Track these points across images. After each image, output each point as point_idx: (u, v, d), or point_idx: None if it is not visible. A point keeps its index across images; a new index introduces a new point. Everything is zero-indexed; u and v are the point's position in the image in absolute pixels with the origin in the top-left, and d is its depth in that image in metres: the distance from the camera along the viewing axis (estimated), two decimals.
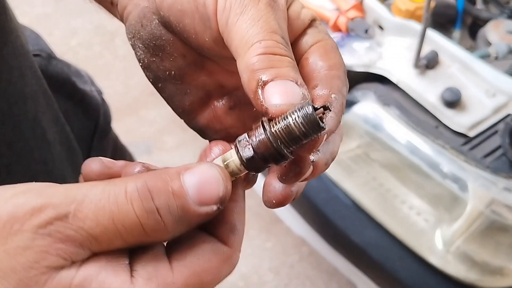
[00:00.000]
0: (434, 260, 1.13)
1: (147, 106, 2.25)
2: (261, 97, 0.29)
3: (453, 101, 1.04)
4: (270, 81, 0.29)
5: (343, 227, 1.22)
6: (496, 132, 1.03)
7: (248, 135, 0.30)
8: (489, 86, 1.06)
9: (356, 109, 1.13)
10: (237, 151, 0.30)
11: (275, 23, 0.31)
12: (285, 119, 0.29)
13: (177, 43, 0.36)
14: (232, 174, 0.31)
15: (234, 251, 0.29)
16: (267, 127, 0.29)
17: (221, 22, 0.32)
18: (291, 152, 0.30)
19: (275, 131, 0.29)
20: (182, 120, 0.41)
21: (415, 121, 1.07)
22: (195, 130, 0.41)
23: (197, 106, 0.39)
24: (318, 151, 0.32)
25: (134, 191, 0.26)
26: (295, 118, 0.28)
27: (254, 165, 0.30)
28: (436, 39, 1.13)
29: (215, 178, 0.28)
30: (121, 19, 0.39)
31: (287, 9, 0.34)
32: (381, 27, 1.17)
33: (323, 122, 0.28)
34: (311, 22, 0.35)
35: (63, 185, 0.27)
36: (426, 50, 1.11)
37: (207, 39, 0.33)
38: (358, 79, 1.18)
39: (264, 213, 2.03)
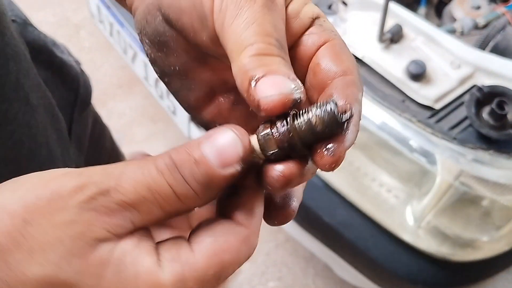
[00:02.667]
0: (405, 236, 1.13)
1: (115, 99, 2.20)
2: (253, 93, 0.29)
3: (418, 74, 1.02)
4: (261, 78, 0.29)
5: (314, 208, 1.20)
6: (462, 103, 1.02)
7: (270, 127, 0.31)
8: (454, 57, 1.05)
9: None
10: (259, 141, 0.31)
11: (270, 25, 0.31)
12: (307, 114, 0.30)
13: (180, 39, 0.36)
14: (253, 161, 0.32)
15: (252, 232, 0.29)
16: (289, 120, 0.30)
17: (217, 23, 0.32)
18: (310, 147, 0.30)
19: (297, 124, 0.30)
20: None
21: (381, 96, 1.05)
22: (201, 125, 0.41)
23: (202, 101, 0.39)
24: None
25: (163, 165, 0.28)
26: (315, 112, 0.29)
27: (273, 155, 0.31)
28: (399, 13, 1.11)
29: (233, 139, 0.29)
30: (132, 14, 0.39)
31: (286, 8, 0.33)
32: (344, 3, 1.15)
33: (342, 119, 0.29)
34: (314, 20, 0.34)
35: (100, 166, 0.29)
36: (390, 24, 1.09)
37: (204, 38, 0.33)
38: None
39: None
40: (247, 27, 0.30)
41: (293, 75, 0.30)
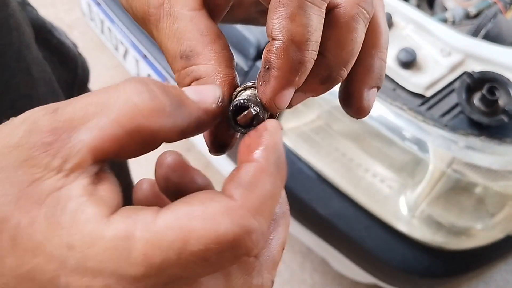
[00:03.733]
0: (400, 226, 1.12)
1: None
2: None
3: (409, 62, 1.02)
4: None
5: (308, 200, 1.19)
6: (453, 90, 1.02)
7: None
8: (444, 45, 1.05)
9: None
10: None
11: (174, 42, 0.30)
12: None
13: None
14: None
15: (240, 207, 0.24)
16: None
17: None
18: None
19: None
20: None
21: None
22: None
23: None
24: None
25: (127, 81, 0.25)
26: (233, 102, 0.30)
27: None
28: (389, 1, 1.11)
29: (210, 86, 0.28)
30: None
31: None
32: None
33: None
34: None
35: None
36: None
37: None
38: None
39: None
40: (164, 52, 0.31)
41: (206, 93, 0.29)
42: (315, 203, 1.19)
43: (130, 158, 0.27)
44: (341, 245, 1.24)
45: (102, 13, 1.55)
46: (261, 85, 0.28)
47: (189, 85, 0.30)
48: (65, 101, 0.25)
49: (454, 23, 1.31)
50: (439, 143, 1.00)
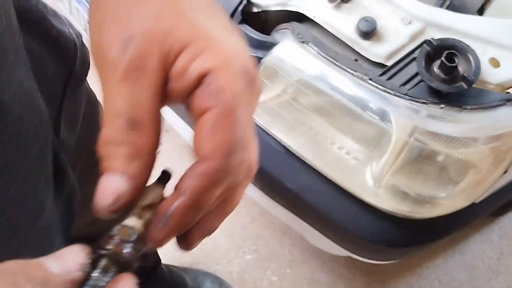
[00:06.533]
0: (366, 197, 1.12)
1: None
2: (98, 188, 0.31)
3: (369, 31, 1.01)
4: (102, 175, 0.31)
5: (276, 174, 1.19)
6: (413, 59, 1.01)
7: None
8: (405, 13, 1.04)
9: (276, 51, 1.09)
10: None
11: (124, 101, 0.29)
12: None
13: None
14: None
15: None
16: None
17: None
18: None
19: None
20: None
21: (334, 57, 1.04)
22: None
23: None
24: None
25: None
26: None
27: None
28: None
29: (73, 251, 0.29)
30: None
31: (172, 66, 0.31)
32: None
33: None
34: (202, 78, 0.31)
35: None
36: None
37: None
38: (277, 19, 1.14)
39: None
40: (104, 105, 0.30)
41: (132, 171, 0.30)
42: (284, 177, 1.19)
43: None
44: (310, 218, 1.25)
45: None
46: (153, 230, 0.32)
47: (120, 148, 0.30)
48: None
49: None
50: (400, 112, 1.00)
